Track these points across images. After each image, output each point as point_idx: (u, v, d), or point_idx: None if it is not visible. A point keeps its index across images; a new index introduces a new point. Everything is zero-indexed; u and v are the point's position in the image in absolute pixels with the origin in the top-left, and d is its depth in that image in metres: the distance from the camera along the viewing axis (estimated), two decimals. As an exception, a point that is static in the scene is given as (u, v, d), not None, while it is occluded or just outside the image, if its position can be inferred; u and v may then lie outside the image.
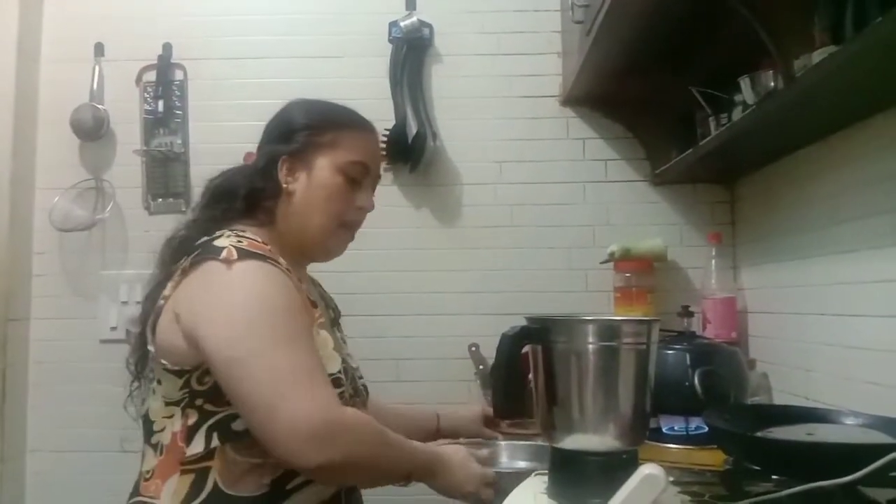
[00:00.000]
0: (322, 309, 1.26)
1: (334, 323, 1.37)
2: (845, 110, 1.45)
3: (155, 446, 1.09)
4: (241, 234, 1.14)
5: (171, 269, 1.13)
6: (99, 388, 2.06)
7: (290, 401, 0.95)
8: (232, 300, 1.03)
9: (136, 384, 1.17)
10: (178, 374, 1.06)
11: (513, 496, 0.93)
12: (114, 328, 2.23)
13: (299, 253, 1.25)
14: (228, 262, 1.04)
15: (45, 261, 2.32)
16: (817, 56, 1.24)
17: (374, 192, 1.32)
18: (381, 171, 1.34)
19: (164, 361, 1.07)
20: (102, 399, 1.92)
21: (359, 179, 1.25)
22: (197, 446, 1.05)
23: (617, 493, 0.71)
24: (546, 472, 0.94)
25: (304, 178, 1.22)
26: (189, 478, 1.05)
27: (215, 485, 1.04)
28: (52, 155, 2.33)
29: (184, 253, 1.13)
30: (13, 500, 2.21)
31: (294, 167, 1.22)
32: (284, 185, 1.22)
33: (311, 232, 1.23)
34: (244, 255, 1.06)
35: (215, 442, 1.05)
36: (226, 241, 1.08)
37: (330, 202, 1.22)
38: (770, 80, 1.46)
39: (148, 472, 1.09)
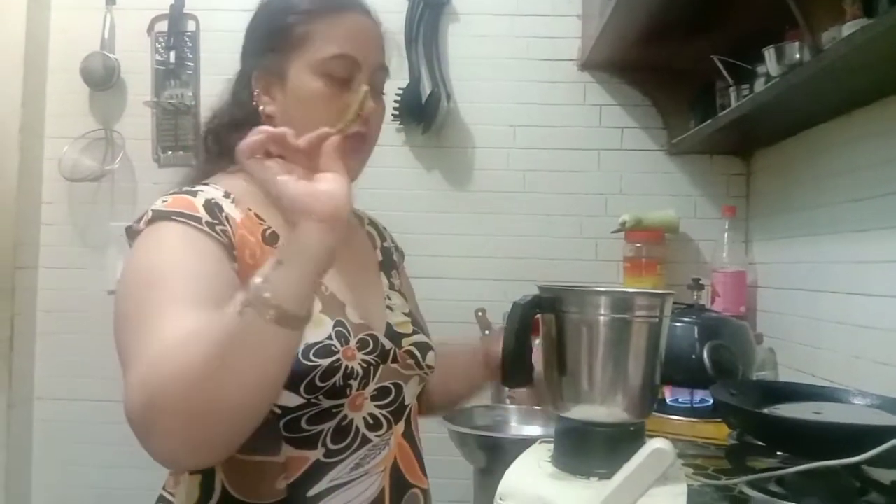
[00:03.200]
0: None
1: (383, 268, 1.13)
2: (871, 86, 1.42)
3: None
4: (193, 187, 0.95)
5: None
6: (106, 339, 2.03)
7: (124, 392, 0.76)
8: (122, 279, 0.86)
9: None
10: None
11: (517, 463, 0.93)
12: (122, 280, 2.24)
13: None
14: (137, 232, 0.89)
15: (54, 210, 2.32)
16: (847, 28, 1.21)
17: (380, 90, 1.02)
18: (384, 62, 1.02)
19: None
20: (109, 349, 1.92)
21: (347, 78, 0.96)
22: None
23: (625, 466, 0.71)
24: (551, 440, 0.94)
25: (279, 94, 0.98)
26: (196, 479, 0.92)
27: (224, 490, 0.90)
28: (62, 104, 2.32)
29: None
30: (20, 445, 2.24)
31: (268, 82, 0.98)
32: (261, 108, 0.98)
33: None
34: (154, 217, 0.88)
35: None
36: (157, 202, 0.91)
37: (313, 116, 0.92)
38: (796, 51, 1.43)
39: None
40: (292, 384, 0.86)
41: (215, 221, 0.89)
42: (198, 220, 0.88)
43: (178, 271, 0.83)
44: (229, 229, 0.89)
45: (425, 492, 1.04)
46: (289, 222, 0.79)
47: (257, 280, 0.73)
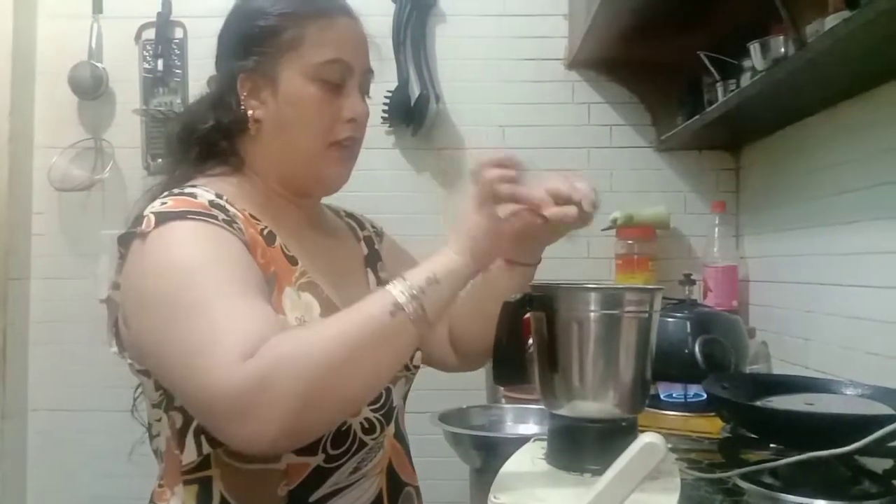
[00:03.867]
0: (317, 263, 0.99)
1: (369, 263, 1.13)
2: (856, 78, 1.43)
3: (156, 453, 0.96)
4: (184, 190, 0.92)
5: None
6: (99, 348, 2.04)
7: (193, 389, 0.76)
8: (143, 277, 0.85)
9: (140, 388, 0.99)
10: (146, 373, 0.91)
11: (511, 461, 0.93)
12: (114, 288, 2.24)
13: (290, 192, 1.01)
14: (144, 235, 0.85)
15: (45, 220, 2.31)
16: (830, 21, 1.22)
17: (367, 92, 1.03)
18: (370, 65, 1.03)
19: (130, 361, 0.92)
20: (102, 359, 1.92)
21: (340, 83, 0.97)
22: (190, 453, 0.88)
23: (616, 461, 0.71)
24: (545, 437, 0.94)
25: (270, 98, 0.96)
26: (193, 489, 0.90)
27: (222, 499, 0.88)
28: (51, 113, 2.31)
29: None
30: (15, 457, 2.23)
31: (257, 86, 0.97)
32: (249, 112, 0.97)
33: (294, 163, 0.98)
34: (161, 219, 0.85)
35: (206, 447, 0.87)
36: (155, 205, 0.88)
37: (307, 120, 0.96)
38: (780, 45, 1.44)
39: (160, 477, 0.95)
40: None
41: (229, 219, 0.88)
42: (213, 217, 0.86)
43: (221, 258, 0.83)
44: (241, 227, 0.89)
45: (417, 489, 1.05)
46: (457, 246, 0.84)
47: (412, 288, 0.79)
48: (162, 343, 0.80)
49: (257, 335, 0.74)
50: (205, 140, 0.99)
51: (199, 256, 0.82)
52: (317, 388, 0.73)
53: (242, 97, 0.97)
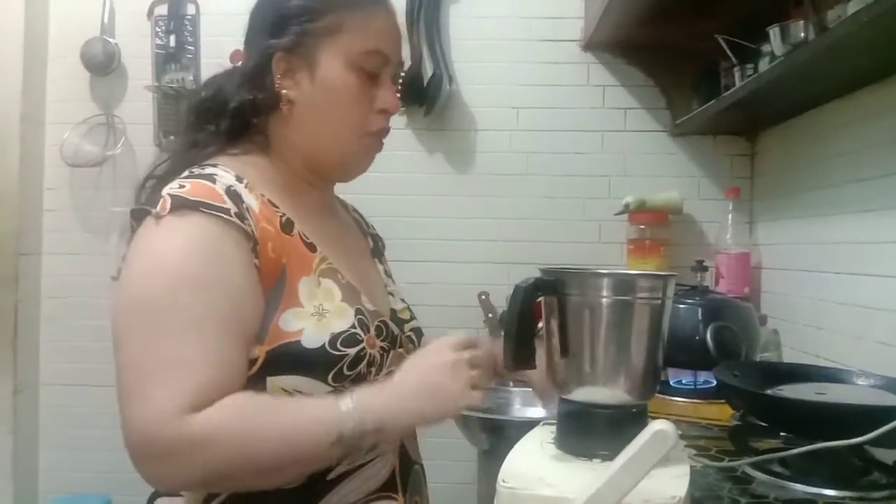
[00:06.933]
0: (335, 248, 0.99)
1: (375, 254, 1.16)
2: (876, 65, 1.40)
3: None
4: (204, 170, 0.92)
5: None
6: (109, 324, 2.08)
7: (133, 404, 0.79)
8: (137, 267, 0.85)
9: None
10: None
11: (520, 445, 0.93)
12: (125, 265, 2.25)
13: (312, 175, 1.02)
14: (158, 217, 0.85)
15: (57, 196, 2.32)
16: (853, 6, 1.19)
17: (397, 84, 1.04)
18: (402, 59, 1.05)
19: None
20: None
21: (376, 73, 0.98)
22: None
23: (626, 448, 0.70)
24: (554, 421, 0.94)
25: (306, 81, 0.96)
26: None
27: None
28: (63, 89, 2.31)
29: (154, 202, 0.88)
30: (27, 430, 2.26)
31: (292, 67, 0.96)
32: (283, 92, 0.96)
33: (323, 148, 0.99)
34: (178, 204, 0.84)
35: None
36: (174, 186, 0.87)
37: (342, 108, 0.97)
38: (801, 30, 1.42)
39: None
40: (321, 374, 0.88)
41: (240, 212, 0.87)
42: (226, 211, 0.85)
43: (215, 281, 0.83)
44: (252, 222, 0.88)
45: (422, 467, 1.07)
46: (418, 405, 0.87)
47: (363, 424, 0.82)
48: (124, 343, 0.82)
49: (211, 386, 0.79)
50: (237, 115, 0.98)
51: (194, 272, 0.83)
52: (235, 474, 0.81)
53: (277, 77, 0.96)
